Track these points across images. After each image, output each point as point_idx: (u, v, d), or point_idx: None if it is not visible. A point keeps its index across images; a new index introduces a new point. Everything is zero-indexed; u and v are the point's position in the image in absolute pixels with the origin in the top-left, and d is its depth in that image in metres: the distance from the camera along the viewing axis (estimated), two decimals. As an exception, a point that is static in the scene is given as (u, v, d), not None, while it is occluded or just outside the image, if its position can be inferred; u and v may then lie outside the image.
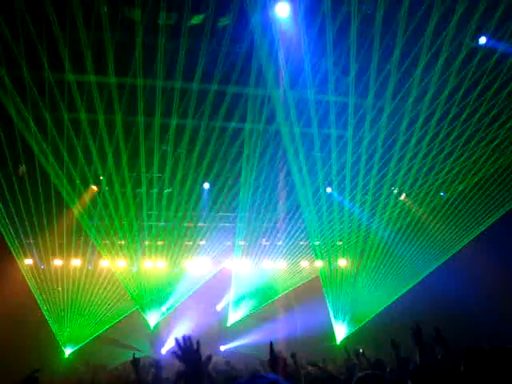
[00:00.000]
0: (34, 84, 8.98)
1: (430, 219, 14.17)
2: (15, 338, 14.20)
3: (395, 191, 14.36)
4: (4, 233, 12.80)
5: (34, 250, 14.83)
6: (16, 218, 12.53)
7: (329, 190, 14.01)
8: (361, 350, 9.20)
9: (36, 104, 9.41)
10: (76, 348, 15.99)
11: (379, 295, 15.06)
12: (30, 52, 8.30)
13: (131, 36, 8.51)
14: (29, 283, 14.93)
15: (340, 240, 17.62)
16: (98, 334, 16.39)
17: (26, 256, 15.17)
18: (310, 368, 8.31)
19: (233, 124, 10.97)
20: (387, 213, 14.23)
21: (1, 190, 11.01)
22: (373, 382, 3.82)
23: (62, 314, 15.93)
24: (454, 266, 13.83)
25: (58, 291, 16.01)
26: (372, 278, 15.83)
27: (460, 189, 13.16)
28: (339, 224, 15.64)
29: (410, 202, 14.29)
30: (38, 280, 15.37)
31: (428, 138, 11.13)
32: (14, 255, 14.48)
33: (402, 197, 14.49)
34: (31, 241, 14.38)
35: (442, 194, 14.06)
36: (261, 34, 8.45)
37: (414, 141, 11.26)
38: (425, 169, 12.37)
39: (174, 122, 10.64)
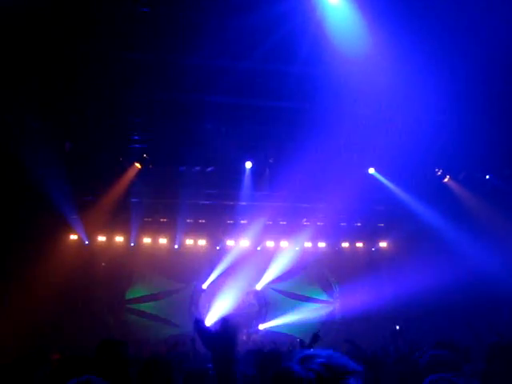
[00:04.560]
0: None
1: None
2: (65, 309, 14.64)
3: (439, 173, 14.13)
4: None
5: (79, 226, 15.16)
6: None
7: (371, 170, 13.85)
8: (397, 327, 9.11)
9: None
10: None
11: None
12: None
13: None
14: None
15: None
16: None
17: (71, 232, 15.58)
18: None
19: (274, 102, 10.89)
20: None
21: (49, 165, 11.21)
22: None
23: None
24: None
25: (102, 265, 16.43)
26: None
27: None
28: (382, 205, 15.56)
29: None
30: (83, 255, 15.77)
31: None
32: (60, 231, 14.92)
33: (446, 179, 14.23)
34: (76, 217, 14.69)
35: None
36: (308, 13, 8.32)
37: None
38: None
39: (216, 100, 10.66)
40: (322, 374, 1.71)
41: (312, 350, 1.86)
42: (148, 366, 3.61)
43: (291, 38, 8.60)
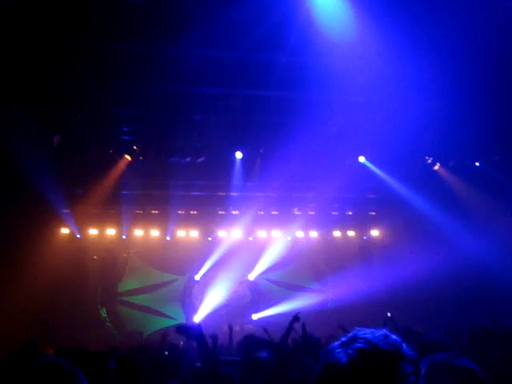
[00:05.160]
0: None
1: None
2: (57, 302, 14.62)
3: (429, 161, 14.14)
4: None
5: (70, 220, 15.11)
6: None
7: (361, 159, 13.84)
8: (389, 314, 9.13)
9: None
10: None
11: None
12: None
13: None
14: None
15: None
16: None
17: (62, 225, 15.54)
18: None
19: (264, 92, 10.86)
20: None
21: (38, 159, 11.13)
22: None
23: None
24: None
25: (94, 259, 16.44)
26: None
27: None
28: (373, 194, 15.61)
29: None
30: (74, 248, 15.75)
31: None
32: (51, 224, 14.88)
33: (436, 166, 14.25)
34: (67, 210, 14.64)
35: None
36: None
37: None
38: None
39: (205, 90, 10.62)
40: (356, 360, 1.59)
41: (362, 330, 1.69)
42: (122, 363, 3.64)
43: (280, 27, 8.55)
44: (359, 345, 1.62)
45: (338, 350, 1.64)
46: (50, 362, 2.23)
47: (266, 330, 10.03)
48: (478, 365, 2.59)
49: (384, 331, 1.69)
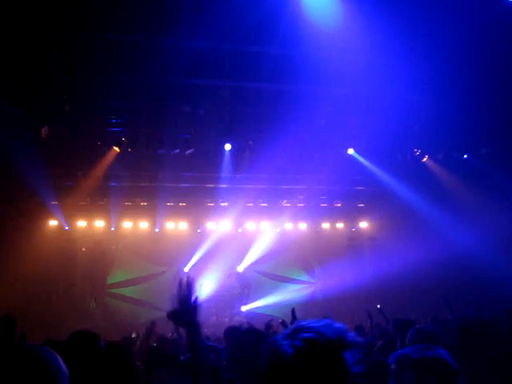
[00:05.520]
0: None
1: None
2: (46, 294, 14.56)
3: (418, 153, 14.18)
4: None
5: (59, 212, 15.04)
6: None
7: (350, 151, 13.86)
8: (378, 306, 9.15)
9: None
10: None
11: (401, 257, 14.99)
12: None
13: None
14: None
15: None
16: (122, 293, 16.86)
17: (51, 217, 15.46)
18: None
19: (253, 84, 10.84)
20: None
21: (26, 150, 11.04)
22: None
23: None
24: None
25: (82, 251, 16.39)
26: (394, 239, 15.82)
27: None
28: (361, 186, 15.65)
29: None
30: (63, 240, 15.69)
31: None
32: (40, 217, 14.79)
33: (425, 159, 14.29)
34: (56, 202, 14.56)
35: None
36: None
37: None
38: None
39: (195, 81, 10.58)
40: (304, 350, 1.54)
41: (306, 321, 1.64)
42: (107, 351, 3.64)
43: (270, 19, 8.54)
44: (305, 335, 1.59)
45: (283, 342, 1.60)
46: (21, 346, 2.12)
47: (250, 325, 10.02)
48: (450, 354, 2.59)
49: (328, 320, 1.65)
